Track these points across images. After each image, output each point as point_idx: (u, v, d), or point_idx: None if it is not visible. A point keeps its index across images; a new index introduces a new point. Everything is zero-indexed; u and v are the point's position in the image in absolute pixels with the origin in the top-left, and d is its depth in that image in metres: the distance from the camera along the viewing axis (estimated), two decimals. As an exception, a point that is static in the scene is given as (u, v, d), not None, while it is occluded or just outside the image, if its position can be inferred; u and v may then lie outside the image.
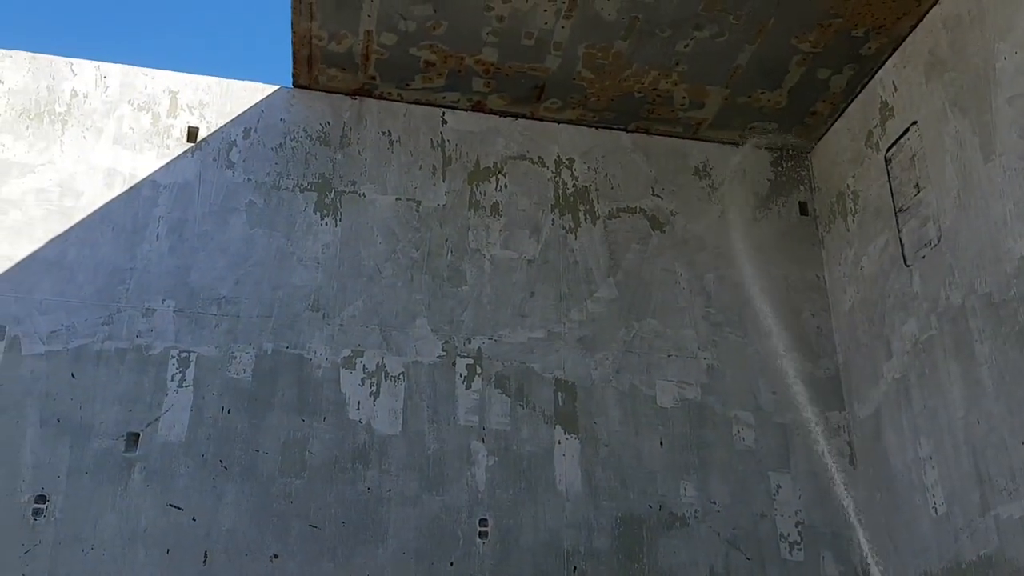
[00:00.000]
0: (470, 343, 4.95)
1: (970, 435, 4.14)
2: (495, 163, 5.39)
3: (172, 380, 4.51)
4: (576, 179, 5.46)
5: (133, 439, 4.36)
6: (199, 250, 4.81)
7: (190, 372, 4.54)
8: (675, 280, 5.33)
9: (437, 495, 4.62)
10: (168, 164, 4.97)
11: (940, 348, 4.39)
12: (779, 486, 4.98)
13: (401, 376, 4.79)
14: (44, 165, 4.81)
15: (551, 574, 4.60)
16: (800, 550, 4.86)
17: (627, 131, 5.63)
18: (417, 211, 5.18)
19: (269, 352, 4.68)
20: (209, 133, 5.08)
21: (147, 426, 4.40)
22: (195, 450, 4.40)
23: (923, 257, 4.58)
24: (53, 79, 5.01)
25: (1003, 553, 3.88)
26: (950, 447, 4.27)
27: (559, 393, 4.96)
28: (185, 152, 5.01)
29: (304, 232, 4.98)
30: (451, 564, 4.50)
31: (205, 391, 4.52)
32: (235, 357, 4.62)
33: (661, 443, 4.97)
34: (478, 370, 4.90)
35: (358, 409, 4.67)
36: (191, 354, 4.58)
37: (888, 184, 4.91)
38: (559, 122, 5.55)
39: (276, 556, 4.32)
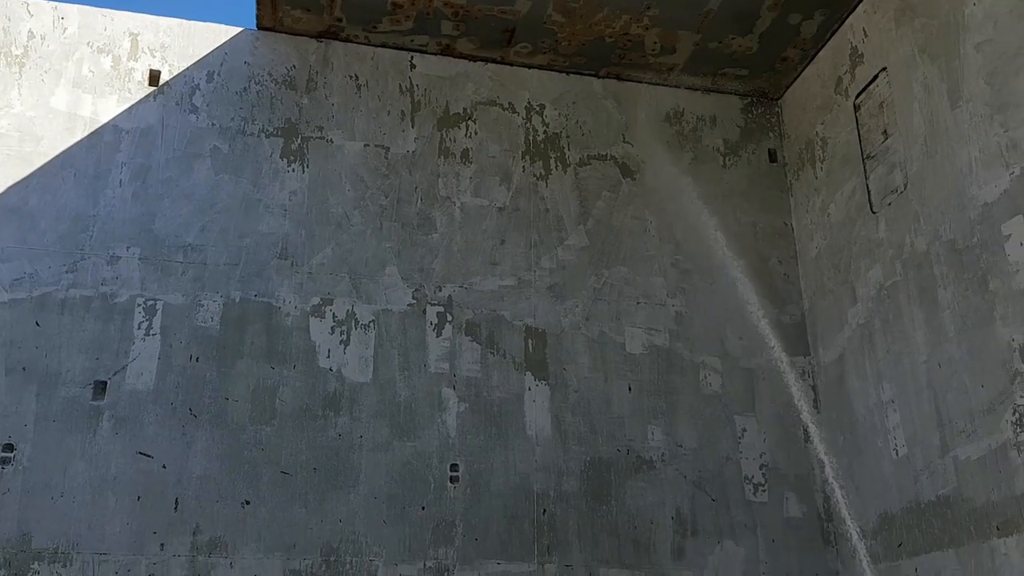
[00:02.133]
0: (440, 291, 4.94)
1: (932, 379, 4.23)
2: (465, 109, 5.33)
3: (139, 328, 4.47)
4: (547, 125, 5.42)
5: (100, 387, 4.33)
6: (163, 196, 4.73)
7: (157, 320, 4.50)
8: (645, 228, 5.35)
9: (408, 441, 4.66)
10: (130, 108, 4.86)
11: (904, 294, 4.45)
12: (744, 429, 5.07)
13: (371, 324, 4.78)
14: (2, 109, 4.69)
15: (521, 517, 4.67)
16: (764, 491, 4.97)
17: (598, 77, 5.58)
18: (386, 158, 5.12)
19: (237, 300, 4.64)
20: (171, 77, 4.97)
21: (114, 374, 4.37)
22: (164, 398, 4.38)
23: (889, 204, 4.62)
24: (9, 20, 4.85)
25: (961, 493, 3.99)
26: (912, 391, 4.36)
27: (529, 340, 4.98)
28: (147, 96, 4.90)
29: (271, 178, 4.91)
30: (422, 508, 4.55)
31: (172, 339, 4.49)
32: (203, 305, 4.58)
33: (630, 388, 5.03)
34: (449, 318, 4.90)
35: (328, 357, 4.66)
36: (158, 302, 4.53)
37: (856, 131, 4.93)
38: (529, 67, 5.48)
39: (248, 502, 4.34)
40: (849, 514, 4.76)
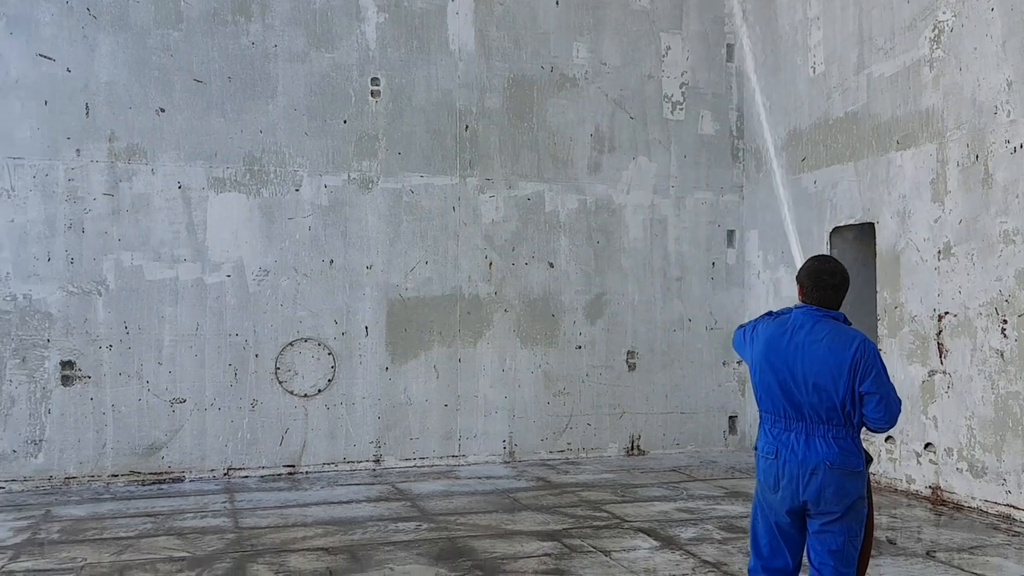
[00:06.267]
0: None
1: (859, -6, 4.18)
2: None
3: (15, -85, 3.99)
4: None
5: (-17, -17, 3.96)
6: None
7: (35, -94, 4.01)
8: None
9: (326, 52, 4.49)
10: None
11: (847, -98, 4.24)
12: (669, 47, 5.04)
13: (279, -80, 4.37)
14: None
15: (443, 132, 4.69)
16: (682, 110, 5.07)
17: None
18: None
19: None
20: None
21: (-4, -32, 3.97)
22: (57, -3, 4.05)
23: None
24: None
25: (868, 108, 4.13)
26: (838, 7, 4.32)
27: (452, -53, 4.67)
28: None
29: None
30: (344, 122, 4.51)
31: (57, -70, 4.04)
32: None
33: (556, 2, 4.86)
34: (364, -83, 4.51)
35: (234, -44, 4.30)
36: None
37: None
38: None
39: (163, 110, 4.22)
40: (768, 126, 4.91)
